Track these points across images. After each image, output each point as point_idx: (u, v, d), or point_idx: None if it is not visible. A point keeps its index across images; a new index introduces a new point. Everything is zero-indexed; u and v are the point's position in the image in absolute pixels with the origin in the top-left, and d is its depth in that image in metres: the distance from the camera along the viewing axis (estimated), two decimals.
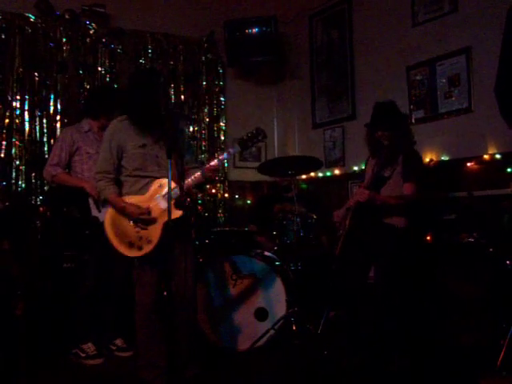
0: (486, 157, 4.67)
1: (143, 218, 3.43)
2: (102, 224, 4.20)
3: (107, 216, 3.59)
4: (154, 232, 3.44)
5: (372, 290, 4.06)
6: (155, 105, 3.37)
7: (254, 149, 7.08)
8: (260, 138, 3.51)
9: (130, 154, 3.51)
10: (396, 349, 3.91)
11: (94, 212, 4.29)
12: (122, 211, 3.48)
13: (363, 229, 4.09)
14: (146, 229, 3.45)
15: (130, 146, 3.50)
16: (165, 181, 3.42)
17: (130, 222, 3.48)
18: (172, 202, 3.27)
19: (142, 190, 3.51)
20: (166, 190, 3.41)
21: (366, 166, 4.49)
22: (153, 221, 3.45)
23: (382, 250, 3.99)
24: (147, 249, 3.44)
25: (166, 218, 3.27)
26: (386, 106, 4.18)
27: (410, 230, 4.06)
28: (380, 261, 4.03)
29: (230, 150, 3.58)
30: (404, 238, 4.04)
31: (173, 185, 3.25)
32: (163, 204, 3.43)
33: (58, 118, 5.79)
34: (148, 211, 3.44)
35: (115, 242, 3.52)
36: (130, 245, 3.47)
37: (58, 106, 5.80)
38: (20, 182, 5.56)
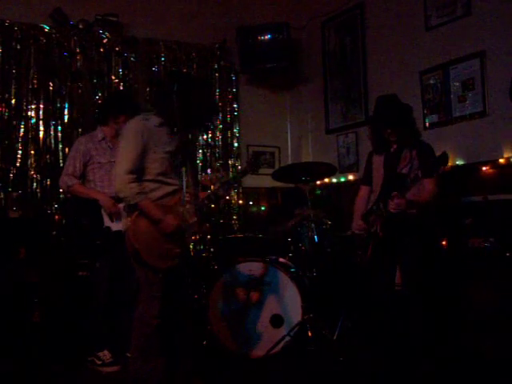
0: (501, 161, 4.63)
1: (180, 230, 3.28)
2: (114, 233, 4.24)
3: (136, 225, 3.26)
4: (181, 244, 3.35)
5: (399, 296, 4.01)
6: (196, 115, 3.36)
7: (267, 155, 7.09)
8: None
9: (158, 157, 3.29)
10: (418, 355, 3.87)
11: (107, 222, 4.31)
12: (158, 221, 3.24)
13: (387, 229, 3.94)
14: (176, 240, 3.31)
15: (160, 149, 3.30)
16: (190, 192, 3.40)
17: (164, 233, 3.27)
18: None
19: (161, 199, 3.32)
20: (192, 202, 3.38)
21: (368, 162, 4.29)
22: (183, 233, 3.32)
23: (406, 241, 3.90)
24: (175, 260, 3.30)
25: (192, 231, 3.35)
26: (391, 100, 4.07)
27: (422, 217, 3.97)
28: (405, 255, 3.93)
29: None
30: (420, 224, 3.97)
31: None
32: (193, 217, 3.38)
33: (73, 126, 5.83)
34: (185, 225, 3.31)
35: (147, 253, 3.24)
36: (161, 256, 3.25)
37: (73, 115, 5.85)
38: (35, 191, 5.60)
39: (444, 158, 3.48)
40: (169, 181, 3.36)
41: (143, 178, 3.30)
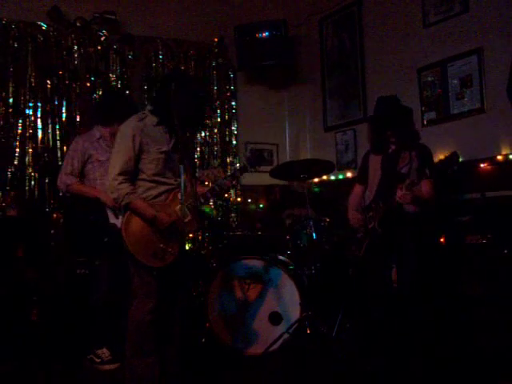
0: (499, 157, 4.64)
1: (174, 228, 3.32)
2: (119, 230, 4.23)
3: (127, 225, 3.31)
4: (176, 242, 3.37)
5: (395, 292, 4.03)
6: (192, 115, 3.36)
7: (266, 153, 7.09)
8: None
9: (153, 158, 3.31)
10: (414, 352, 3.87)
11: (112, 219, 4.29)
12: (151, 219, 3.27)
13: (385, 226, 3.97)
14: (169, 239, 3.34)
15: (155, 149, 3.31)
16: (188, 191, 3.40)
17: (156, 232, 3.30)
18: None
19: (158, 197, 3.36)
20: (190, 200, 3.41)
21: (364, 162, 4.34)
22: (178, 231, 3.37)
23: (404, 238, 3.91)
24: (169, 259, 3.32)
25: (188, 229, 3.44)
26: (392, 102, 4.09)
27: (421, 215, 4.00)
28: (403, 252, 3.94)
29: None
30: (419, 222, 3.99)
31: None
32: (188, 215, 3.41)
33: (71, 124, 5.82)
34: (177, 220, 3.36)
35: (138, 253, 3.27)
36: (154, 255, 3.28)
37: (71, 113, 5.84)
38: (33, 189, 5.59)
39: (454, 157, 3.50)
40: (165, 180, 3.39)
41: (138, 178, 3.35)
